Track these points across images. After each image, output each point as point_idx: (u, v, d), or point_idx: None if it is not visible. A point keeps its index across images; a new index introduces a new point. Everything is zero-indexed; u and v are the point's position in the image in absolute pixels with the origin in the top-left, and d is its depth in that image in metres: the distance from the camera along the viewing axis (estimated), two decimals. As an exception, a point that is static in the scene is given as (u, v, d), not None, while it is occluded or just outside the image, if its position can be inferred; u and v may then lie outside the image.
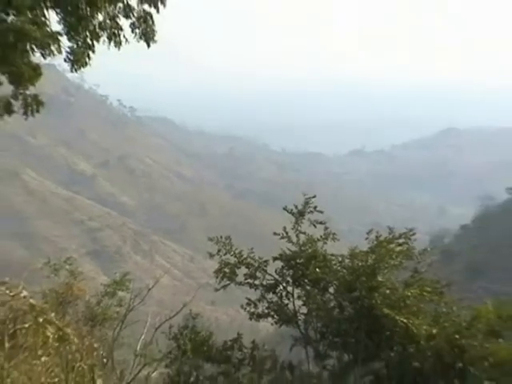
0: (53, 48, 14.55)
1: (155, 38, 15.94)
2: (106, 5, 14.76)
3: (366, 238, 20.49)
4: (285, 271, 20.43)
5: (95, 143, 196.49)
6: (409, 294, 18.93)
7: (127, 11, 15.18)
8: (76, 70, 15.58)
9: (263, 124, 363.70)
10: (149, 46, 15.82)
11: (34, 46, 14.33)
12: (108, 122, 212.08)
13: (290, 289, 20.47)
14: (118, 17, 15.27)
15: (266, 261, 20.77)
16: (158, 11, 15.43)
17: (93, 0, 14.44)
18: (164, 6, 15.41)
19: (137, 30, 15.50)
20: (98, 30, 15.07)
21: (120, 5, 15.04)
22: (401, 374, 18.38)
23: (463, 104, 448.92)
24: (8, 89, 14.85)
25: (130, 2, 15.18)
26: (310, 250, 20.21)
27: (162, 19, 16.20)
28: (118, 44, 15.27)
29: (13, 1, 13.62)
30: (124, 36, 15.42)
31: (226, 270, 20.78)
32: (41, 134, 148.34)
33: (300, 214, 20.57)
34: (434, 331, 18.33)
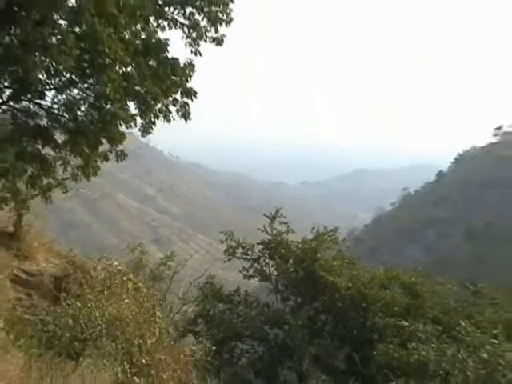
0: (132, 123, 16.17)
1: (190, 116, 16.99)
2: (162, 98, 16.34)
3: (311, 232, 25.54)
4: (264, 251, 25.06)
5: (156, 177, 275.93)
6: (335, 263, 23.91)
7: (174, 102, 16.76)
8: (144, 136, 17.37)
9: (254, 165, 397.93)
10: (186, 121, 17.01)
11: (121, 122, 15.80)
12: (163, 165, 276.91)
13: (267, 261, 25.04)
14: (168, 105, 16.65)
15: (253, 245, 25.31)
16: (192, 101, 16.77)
17: (155, 97, 16.02)
18: (195, 97, 16.89)
19: (179, 113, 16.85)
20: (157, 113, 16.43)
21: (170, 98, 16.63)
22: (330, 310, 23.79)
23: (363, 153, 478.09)
24: (106, 146, 16.45)
25: (176, 97, 16.75)
26: (278, 239, 24.97)
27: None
28: (169, 121, 16.76)
29: (109, 96, 14.90)
30: (172, 116, 16.79)
31: (230, 250, 25.07)
32: (125, 172, 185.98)
33: (273, 218, 25.47)
34: (350, 285, 22.92)
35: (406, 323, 21.10)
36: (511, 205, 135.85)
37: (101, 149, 16.42)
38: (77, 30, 14.78)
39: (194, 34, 16.51)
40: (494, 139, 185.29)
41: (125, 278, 15.42)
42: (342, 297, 23.03)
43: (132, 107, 16.15)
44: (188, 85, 16.58)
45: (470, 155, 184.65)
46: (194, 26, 16.43)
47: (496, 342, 18.18)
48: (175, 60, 16.36)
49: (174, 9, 16.36)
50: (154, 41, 16.30)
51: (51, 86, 15.69)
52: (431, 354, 18.63)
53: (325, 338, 22.77)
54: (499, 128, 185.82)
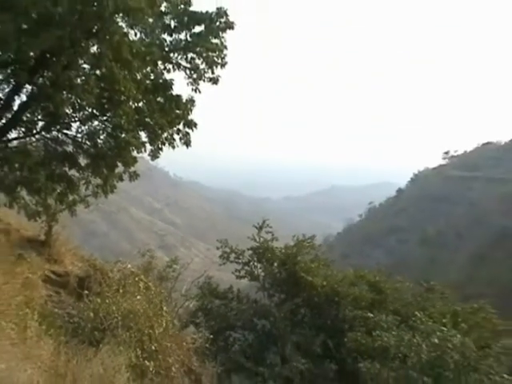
0: (142, 149, 16.35)
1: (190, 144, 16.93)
2: (168, 129, 16.48)
3: (292, 239, 25.80)
4: (253, 255, 25.11)
5: (162, 194, 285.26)
6: (312, 265, 24.02)
7: (178, 132, 16.79)
8: (153, 160, 17.98)
9: (244, 183, 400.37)
10: (187, 148, 17.01)
11: (133, 148, 16.03)
12: (168, 184, 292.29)
13: (255, 264, 25.09)
14: (173, 134, 16.74)
15: (244, 250, 25.37)
16: (192, 131, 16.91)
17: (162, 128, 16.33)
18: (196, 128, 16.94)
19: (182, 141, 16.88)
20: (164, 141, 16.61)
21: (174, 129, 16.68)
22: (308, 304, 23.84)
23: (336, 172, 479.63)
24: (121, 168, 16.57)
25: (179, 127, 16.79)
26: (265, 245, 24.99)
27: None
28: (173, 148, 16.82)
29: (124, 126, 15.35)
30: (176, 143, 16.84)
31: (225, 255, 25.26)
32: (137, 189, 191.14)
33: (260, 228, 25.48)
34: (325, 283, 23.28)
35: (371, 315, 21.13)
36: (457, 216, 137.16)
37: (116, 170, 16.51)
38: (97, 72, 15.11)
39: (194, 75, 16.54)
40: (443, 161, 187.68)
41: (137, 279, 15.60)
42: (318, 293, 23.27)
43: (143, 136, 16.31)
44: (189, 117, 16.70)
45: (424, 175, 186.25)
46: (194, 68, 16.47)
47: (445, 329, 18.34)
48: (179, 96, 16.55)
49: (178, 54, 16.41)
50: (161, 81, 16.58)
51: (76, 119, 15.98)
52: (392, 340, 18.80)
53: (304, 327, 22.87)
54: (447, 152, 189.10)
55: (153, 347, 12.91)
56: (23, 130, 16.02)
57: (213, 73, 16.44)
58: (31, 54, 14.40)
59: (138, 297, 14.26)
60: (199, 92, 16.75)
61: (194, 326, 22.32)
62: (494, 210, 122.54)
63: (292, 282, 23.90)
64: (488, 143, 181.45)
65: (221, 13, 15.95)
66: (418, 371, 17.39)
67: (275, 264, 24.74)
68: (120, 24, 14.81)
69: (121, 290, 14.30)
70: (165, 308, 15.27)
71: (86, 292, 14.01)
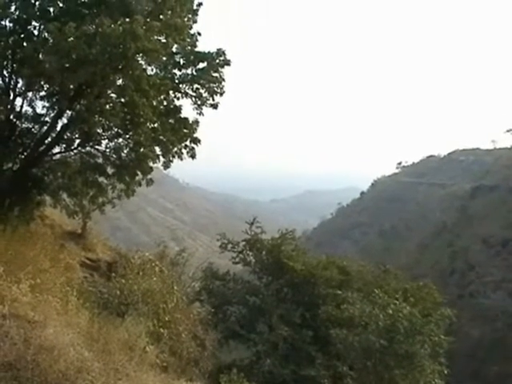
0: (157, 161, 16.45)
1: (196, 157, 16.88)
2: (177, 144, 16.40)
3: (277, 233, 25.61)
4: (246, 246, 24.98)
5: (173, 197, 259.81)
6: (293, 253, 23.98)
7: (185, 146, 16.59)
8: (166, 169, 18.12)
9: (238, 187, 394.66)
10: (193, 159, 16.97)
11: (150, 160, 16.09)
12: (178, 188, 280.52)
13: (248, 252, 24.95)
14: (181, 149, 16.56)
15: (238, 242, 25.27)
16: (197, 146, 16.77)
17: (172, 144, 16.28)
18: (200, 143, 16.80)
19: (189, 154, 16.69)
20: (174, 154, 16.51)
21: (182, 144, 16.53)
22: (290, 284, 23.67)
23: (313, 176, 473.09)
24: (139, 176, 16.45)
25: (186, 143, 16.56)
26: (255, 238, 24.91)
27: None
28: (181, 160, 16.76)
29: (143, 143, 15.55)
30: (183, 156, 16.69)
31: (223, 245, 25.24)
32: (153, 193, 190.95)
33: (251, 224, 25.37)
34: (303, 267, 23.19)
35: (340, 292, 21.71)
36: (407, 213, 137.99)
37: (136, 178, 16.55)
38: (122, 100, 15.30)
39: (198, 102, 16.45)
40: (397, 170, 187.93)
41: (153, 264, 15.91)
42: (298, 275, 23.27)
43: (157, 150, 16.32)
44: (194, 135, 16.65)
45: (381, 181, 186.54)
46: (198, 96, 16.39)
47: (397, 302, 18.64)
48: (186, 119, 16.58)
49: (186, 85, 16.37)
50: (172, 106, 16.66)
51: (105, 137, 16.20)
52: (356, 312, 19.20)
53: (286, 303, 22.80)
54: (400, 163, 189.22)
55: (166, 318, 13.19)
56: (64, 146, 16.28)
57: (213, 100, 16.48)
58: (71, 86, 14.69)
59: (154, 278, 14.65)
60: (203, 115, 16.82)
61: (199, 302, 22.36)
62: (435, 208, 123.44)
63: (277, 267, 23.87)
64: (431, 156, 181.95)
65: (220, 52, 16.05)
66: (376, 335, 17.72)
67: (263, 252, 24.64)
68: (140, 62, 15.02)
69: (140, 273, 14.64)
70: (175, 287, 15.65)
71: (114, 274, 14.50)
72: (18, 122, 15.85)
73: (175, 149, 16.60)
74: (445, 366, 19.87)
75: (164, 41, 15.11)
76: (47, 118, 15.97)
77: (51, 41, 13.76)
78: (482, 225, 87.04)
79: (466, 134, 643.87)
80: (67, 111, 15.60)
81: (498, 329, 68.41)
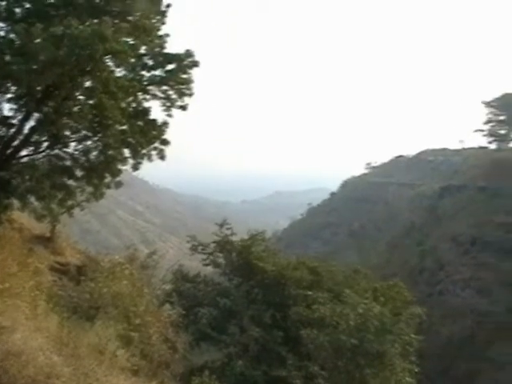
0: (126, 163, 16.38)
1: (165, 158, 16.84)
2: (146, 146, 16.22)
3: (247, 234, 25.59)
4: (216, 247, 25.09)
5: (143, 199, 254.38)
6: (263, 254, 24.19)
7: (154, 148, 16.46)
8: (134, 171, 17.82)
9: (208, 189, 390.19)
10: (162, 160, 16.84)
11: (118, 162, 16.05)
12: (148, 190, 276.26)
13: (218, 254, 25.08)
14: (151, 150, 16.43)
15: (209, 243, 25.39)
16: (166, 147, 16.68)
17: (141, 145, 16.12)
18: (169, 145, 16.72)
19: (158, 155, 16.51)
20: (143, 156, 16.38)
21: (152, 146, 16.38)
22: (260, 285, 23.71)
23: (282, 177, 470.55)
24: (108, 179, 16.43)
25: (155, 145, 16.44)
26: (225, 239, 25.03)
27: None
28: (150, 161, 16.53)
29: (111, 145, 15.46)
30: (152, 158, 16.58)
31: (194, 247, 25.41)
32: (122, 195, 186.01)
33: (221, 225, 25.51)
34: (273, 268, 23.37)
35: (311, 292, 21.84)
36: (376, 213, 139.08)
37: (105, 180, 16.47)
38: (90, 102, 15.23)
39: (167, 104, 16.49)
40: (366, 170, 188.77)
41: (123, 267, 15.68)
42: (268, 276, 23.42)
43: (126, 152, 16.23)
44: (163, 137, 16.59)
45: (351, 181, 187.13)
46: (167, 98, 16.42)
47: (367, 301, 18.90)
48: (155, 120, 16.52)
49: (154, 87, 16.39)
50: (140, 108, 16.54)
51: (73, 139, 15.99)
52: (327, 312, 19.44)
53: (257, 304, 22.86)
54: (369, 163, 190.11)
55: (137, 321, 13.06)
56: (32, 148, 16.09)
57: (182, 101, 16.51)
58: (38, 88, 14.54)
59: (124, 281, 14.46)
60: (171, 117, 16.80)
61: (170, 304, 22.30)
62: (404, 208, 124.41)
63: (247, 268, 23.99)
64: (400, 156, 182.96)
65: (188, 54, 16.10)
66: (347, 335, 17.96)
67: (234, 254, 24.69)
68: (108, 63, 14.97)
69: (110, 276, 14.43)
70: (146, 290, 15.65)
71: (83, 278, 14.24)
72: (-16, 125, 15.72)
73: (144, 151, 16.45)
74: (415, 364, 20.34)
75: (132, 42, 15.11)
76: (14, 121, 15.65)
77: (18, 42, 13.62)
78: (451, 224, 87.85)
79: (434, 135, 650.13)
80: (35, 113, 15.38)
81: (467, 326, 69.10)
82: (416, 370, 20.05)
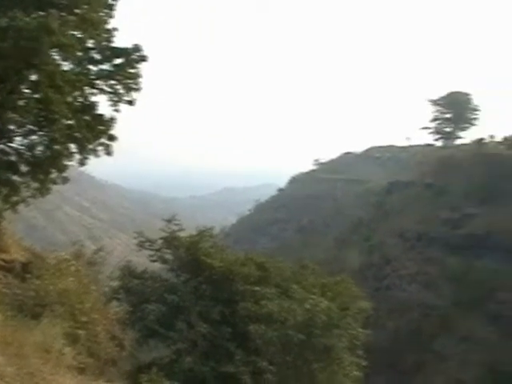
0: (73, 159, 16.47)
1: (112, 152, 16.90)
2: (93, 141, 16.29)
3: (195, 230, 25.46)
4: (163, 243, 24.83)
5: (90, 194, 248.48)
6: (211, 250, 23.90)
7: (101, 144, 16.54)
8: (81, 166, 17.74)
9: (155, 184, 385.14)
10: (109, 155, 16.94)
11: (65, 158, 16.07)
12: (95, 186, 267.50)
13: (165, 250, 24.84)
14: (97, 146, 16.49)
15: (156, 239, 25.09)
16: (113, 143, 16.78)
17: (88, 141, 16.18)
18: (116, 140, 16.79)
19: (105, 151, 16.64)
20: (90, 151, 16.50)
21: (98, 141, 16.43)
22: (208, 281, 23.42)
23: (231, 174, 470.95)
24: (54, 174, 16.39)
25: (102, 140, 16.48)
26: (173, 235, 24.73)
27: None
28: (97, 157, 16.82)
29: (57, 140, 15.27)
30: (100, 153, 16.70)
31: (141, 243, 25.03)
32: (69, 191, 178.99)
33: (169, 221, 25.20)
34: (221, 264, 23.17)
35: (258, 288, 21.94)
36: (324, 209, 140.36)
37: (51, 176, 16.37)
38: (36, 96, 14.99)
39: (114, 99, 16.46)
40: (314, 167, 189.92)
41: (69, 264, 15.51)
42: (216, 272, 23.30)
43: (73, 147, 16.13)
44: (110, 132, 16.56)
45: (299, 178, 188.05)
46: (114, 92, 16.38)
47: (314, 297, 19.18)
48: (102, 115, 16.50)
49: (102, 81, 16.32)
50: (87, 103, 16.43)
51: (19, 134, 15.77)
52: (275, 307, 19.60)
53: (205, 300, 22.76)
54: (317, 160, 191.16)
55: (83, 319, 12.91)
56: (-25, 143, 15.83)
57: (129, 96, 16.51)
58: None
59: (71, 278, 14.28)
60: (119, 112, 16.76)
61: (117, 301, 22.21)
62: (351, 204, 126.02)
63: (195, 264, 23.85)
64: (348, 152, 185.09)
65: (136, 48, 16.08)
66: (294, 330, 18.19)
67: (182, 250, 24.50)
68: (55, 57, 14.81)
69: (56, 273, 14.25)
70: (93, 287, 15.49)
71: (29, 275, 13.96)
72: None
73: (91, 146, 16.43)
74: (362, 358, 20.83)
75: (80, 36, 15.05)
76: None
77: (-39, 34, 13.41)
78: (398, 220, 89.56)
79: (381, 132, 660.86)
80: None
81: (413, 320, 70.57)
82: (363, 364, 20.47)
